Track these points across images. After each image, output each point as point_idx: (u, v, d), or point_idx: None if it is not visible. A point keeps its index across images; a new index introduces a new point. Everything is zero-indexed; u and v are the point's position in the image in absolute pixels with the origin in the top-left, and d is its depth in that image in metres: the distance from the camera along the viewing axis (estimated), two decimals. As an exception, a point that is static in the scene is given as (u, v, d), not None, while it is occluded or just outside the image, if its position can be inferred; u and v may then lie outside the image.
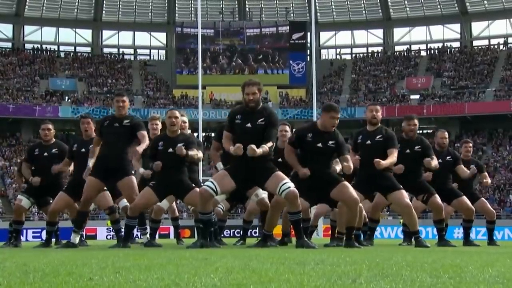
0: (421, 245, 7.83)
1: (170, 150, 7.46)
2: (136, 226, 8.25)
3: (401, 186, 7.73)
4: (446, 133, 9.75)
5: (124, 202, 9.60)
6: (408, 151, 8.34)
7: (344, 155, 7.07)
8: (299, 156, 7.18)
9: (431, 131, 43.11)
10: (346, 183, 7.12)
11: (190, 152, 7.42)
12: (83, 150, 8.58)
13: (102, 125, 7.97)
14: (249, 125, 6.69)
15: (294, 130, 7.58)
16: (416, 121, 8.62)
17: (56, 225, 9.23)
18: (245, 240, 9.91)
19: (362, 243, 8.21)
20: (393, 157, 7.64)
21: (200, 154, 7.76)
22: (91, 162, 7.92)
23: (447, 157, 9.44)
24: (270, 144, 6.63)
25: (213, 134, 47.57)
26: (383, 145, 7.71)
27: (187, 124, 8.74)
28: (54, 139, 9.36)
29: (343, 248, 7.10)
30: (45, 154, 9.18)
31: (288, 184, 6.63)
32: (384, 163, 7.48)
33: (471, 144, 10.57)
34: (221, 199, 8.74)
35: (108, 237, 29.84)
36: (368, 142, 7.76)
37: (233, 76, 50.89)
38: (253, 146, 6.44)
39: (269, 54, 52.95)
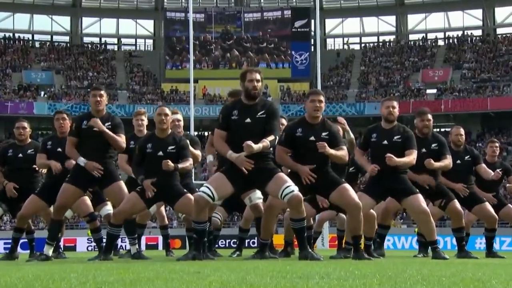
0: (438, 257, 7.83)
1: (160, 153, 7.44)
2: (120, 235, 8.23)
3: (417, 190, 7.71)
4: (462, 129, 9.71)
5: (106, 209, 9.60)
6: (424, 150, 8.32)
7: (339, 145, 7.04)
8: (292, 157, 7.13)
9: (449, 129, 43.13)
10: (346, 185, 7.03)
11: (181, 165, 7.41)
12: (59, 149, 8.53)
13: (78, 126, 7.90)
14: (248, 120, 6.66)
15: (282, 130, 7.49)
16: (430, 116, 8.61)
17: (24, 232, 9.19)
18: (242, 251, 9.91)
19: (372, 255, 8.20)
20: (410, 157, 7.60)
21: (190, 161, 7.67)
22: (81, 161, 7.79)
23: (466, 157, 9.40)
24: (271, 137, 6.57)
25: (206, 133, 47.44)
26: (401, 147, 7.67)
27: (181, 123, 8.73)
28: (29, 139, 9.34)
29: (351, 260, 7.10)
30: (20, 155, 9.17)
31: (292, 187, 6.58)
32: (398, 160, 7.45)
33: (497, 144, 10.40)
34: (217, 204, 8.72)
35: (89, 248, 29.82)
36: (385, 142, 7.71)
37: (228, 71, 50.73)
38: (249, 142, 6.40)
39: (274, 43, 52.39)
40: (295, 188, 6.59)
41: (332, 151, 6.94)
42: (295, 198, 6.59)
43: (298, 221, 6.74)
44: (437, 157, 8.32)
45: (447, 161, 8.30)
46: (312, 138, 7.01)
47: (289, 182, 6.64)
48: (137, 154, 7.64)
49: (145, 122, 9.23)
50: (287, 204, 6.70)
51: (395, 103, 7.97)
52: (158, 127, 7.65)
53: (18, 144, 9.29)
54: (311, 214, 7.56)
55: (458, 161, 9.10)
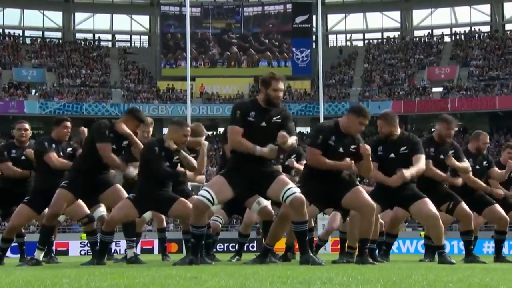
0: (445, 262, 7.83)
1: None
2: (115, 239, 8.24)
3: (425, 195, 7.73)
4: (488, 137, 9.85)
5: (100, 211, 9.60)
6: (442, 156, 8.41)
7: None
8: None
9: (456, 129, 43.09)
10: (360, 187, 7.17)
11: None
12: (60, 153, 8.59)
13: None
14: (264, 124, 6.74)
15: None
16: (456, 126, 8.81)
17: (12, 242, 9.16)
18: (241, 256, 9.91)
19: (376, 259, 8.21)
20: (418, 165, 7.54)
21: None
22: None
23: (484, 162, 9.52)
24: (295, 137, 6.77)
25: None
26: (409, 157, 7.69)
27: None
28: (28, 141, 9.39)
29: (355, 265, 7.10)
30: (19, 156, 9.18)
31: (293, 189, 6.64)
32: (409, 175, 7.43)
33: None
34: (216, 209, 8.73)
35: (82, 252, 29.84)
36: (392, 155, 7.73)
37: (226, 69, 50.72)
38: (285, 132, 6.51)
39: (277, 40, 52.16)
40: (296, 190, 6.65)
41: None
42: (297, 200, 6.63)
43: (300, 224, 6.76)
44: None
45: (466, 164, 8.54)
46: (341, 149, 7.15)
47: (291, 184, 6.69)
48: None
49: (150, 133, 9.12)
50: (289, 206, 6.73)
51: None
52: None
53: (18, 145, 9.29)
54: (314, 213, 7.56)
55: (477, 167, 9.22)
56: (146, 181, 7.47)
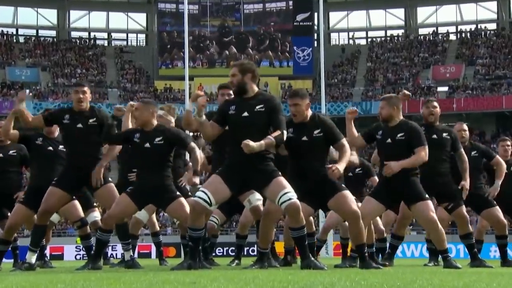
0: (450, 266, 7.82)
1: (147, 145, 7.44)
2: (111, 243, 8.24)
3: (427, 196, 7.66)
4: (465, 125, 9.71)
5: (93, 216, 9.61)
6: (435, 136, 8.42)
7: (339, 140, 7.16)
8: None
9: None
10: (345, 192, 7.05)
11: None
12: (50, 148, 8.58)
13: (60, 121, 7.93)
14: (246, 114, 6.72)
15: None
16: (436, 103, 8.79)
17: (10, 245, 9.15)
18: (241, 260, 9.90)
19: (377, 262, 8.20)
20: (417, 156, 7.49)
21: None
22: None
23: (472, 153, 9.39)
24: (277, 133, 6.59)
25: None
26: (406, 144, 7.62)
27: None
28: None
29: (358, 270, 7.10)
30: (1, 155, 9.18)
31: (289, 194, 6.59)
32: (398, 166, 7.39)
33: (509, 143, 10.39)
34: (212, 209, 8.69)
35: (78, 257, 29.83)
36: (389, 140, 7.68)
37: (225, 70, 50.60)
38: (247, 141, 6.41)
39: (278, 38, 52.00)
40: (293, 196, 6.60)
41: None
42: (292, 206, 6.60)
43: (297, 229, 6.75)
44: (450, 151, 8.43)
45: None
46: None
47: (288, 188, 6.63)
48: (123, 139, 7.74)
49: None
50: (285, 212, 6.73)
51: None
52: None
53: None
54: (309, 213, 7.49)
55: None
56: (142, 170, 7.46)
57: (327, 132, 7.08)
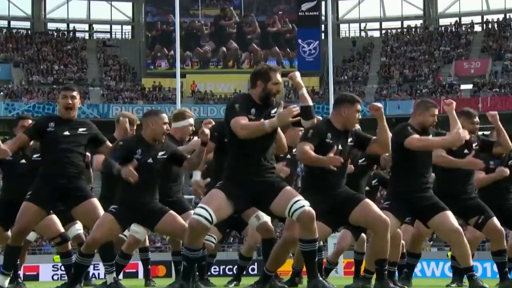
0: (476, 286, 7.83)
1: (150, 160, 7.41)
2: (93, 262, 8.22)
3: (446, 207, 7.70)
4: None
5: (75, 229, 9.57)
6: (466, 150, 8.44)
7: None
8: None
9: (488, 132, 43.12)
10: (368, 200, 7.20)
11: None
12: (23, 161, 8.58)
13: (43, 129, 7.85)
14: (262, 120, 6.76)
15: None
16: (477, 119, 8.89)
17: None
18: (240, 281, 9.89)
19: (397, 284, 8.20)
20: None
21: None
22: None
23: (510, 162, 9.39)
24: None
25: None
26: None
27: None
28: None
29: (372, 291, 7.10)
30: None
31: (302, 202, 6.59)
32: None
33: None
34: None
35: (55, 277, 29.80)
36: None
37: (222, 70, 50.56)
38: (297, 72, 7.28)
39: (287, 32, 51.63)
40: (305, 203, 6.60)
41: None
42: (306, 215, 6.58)
43: (308, 242, 6.72)
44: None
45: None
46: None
47: (299, 196, 6.65)
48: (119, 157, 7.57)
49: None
50: (297, 221, 6.69)
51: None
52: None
53: None
54: (326, 233, 7.53)
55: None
56: (128, 190, 7.39)
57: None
